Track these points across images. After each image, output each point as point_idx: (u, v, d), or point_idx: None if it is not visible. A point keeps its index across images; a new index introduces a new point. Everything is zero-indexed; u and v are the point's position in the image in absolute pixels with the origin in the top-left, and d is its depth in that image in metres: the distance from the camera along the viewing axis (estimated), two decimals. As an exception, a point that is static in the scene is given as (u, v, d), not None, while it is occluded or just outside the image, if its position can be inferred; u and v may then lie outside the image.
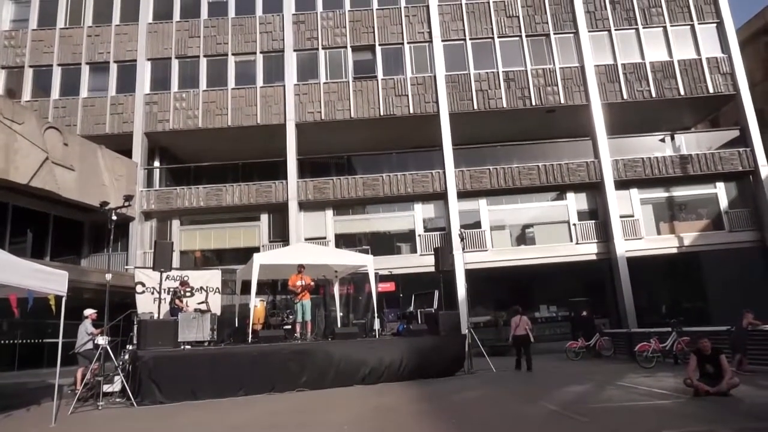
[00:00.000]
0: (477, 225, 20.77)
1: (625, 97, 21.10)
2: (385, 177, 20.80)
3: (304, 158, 21.66)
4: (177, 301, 12.34)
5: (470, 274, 17.41)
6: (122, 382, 9.99)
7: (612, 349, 15.95)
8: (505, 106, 21.05)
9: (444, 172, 20.63)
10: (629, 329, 17.13)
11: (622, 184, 20.69)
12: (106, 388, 9.89)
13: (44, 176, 16.05)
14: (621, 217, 20.31)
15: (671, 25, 21.77)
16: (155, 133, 21.27)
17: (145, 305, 13.23)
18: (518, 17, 22.01)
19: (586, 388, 9.74)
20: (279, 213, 20.99)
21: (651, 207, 21.31)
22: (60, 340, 8.21)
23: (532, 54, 21.65)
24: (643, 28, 21.78)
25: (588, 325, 17.54)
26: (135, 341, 10.88)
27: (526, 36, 21.85)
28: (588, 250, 20.48)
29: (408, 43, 21.89)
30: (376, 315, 14.16)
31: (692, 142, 22.04)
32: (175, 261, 18.91)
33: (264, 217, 21.33)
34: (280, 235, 20.79)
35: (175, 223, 21.38)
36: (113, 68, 21.78)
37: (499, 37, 21.86)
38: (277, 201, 20.64)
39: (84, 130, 20.52)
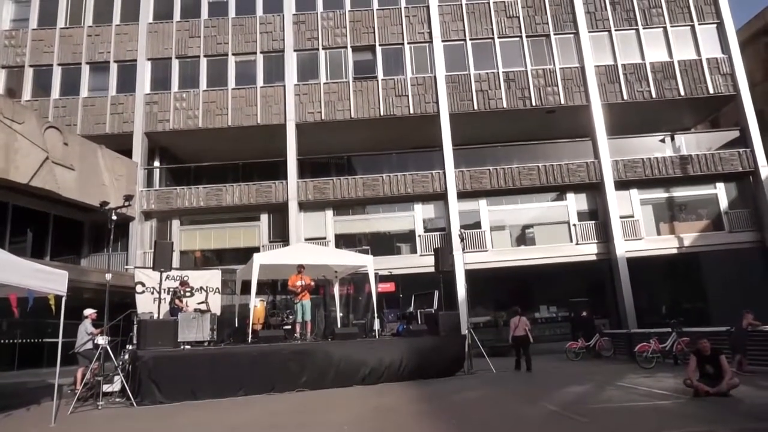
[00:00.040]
0: (477, 225, 20.77)
1: (625, 97, 21.10)
2: (385, 177, 20.80)
3: (304, 158, 21.66)
4: (177, 301, 12.34)
5: (470, 274, 17.39)
6: (122, 382, 9.99)
7: (612, 349, 15.96)
8: (505, 106, 21.05)
9: (444, 173, 20.63)
10: (629, 330, 17.13)
11: (622, 185, 20.69)
12: (106, 387, 9.89)
13: (44, 176, 16.05)
14: (621, 217, 20.31)
15: (671, 26, 21.78)
16: (155, 133, 21.27)
17: (145, 305, 13.23)
18: (518, 18, 22.02)
19: (586, 388, 9.74)
20: (279, 213, 20.99)
21: (651, 207, 21.32)
22: (60, 340, 8.22)
23: (532, 54, 21.66)
24: (644, 28, 21.79)
25: (588, 326, 17.54)
26: (135, 341, 10.89)
27: (527, 36, 21.85)
28: (588, 251, 20.48)
29: (408, 43, 21.89)
30: (376, 315, 14.16)
31: (692, 143, 22.06)
32: (175, 261, 18.93)
33: (264, 217, 21.33)
34: (280, 235, 20.79)
35: (175, 223, 21.38)
36: (113, 68, 21.78)
37: (499, 38, 21.87)
38: (277, 201, 20.64)
39: (84, 129, 20.52)
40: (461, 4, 22.21)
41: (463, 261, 17.86)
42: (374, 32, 21.95)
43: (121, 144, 20.25)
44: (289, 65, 21.63)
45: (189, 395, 9.66)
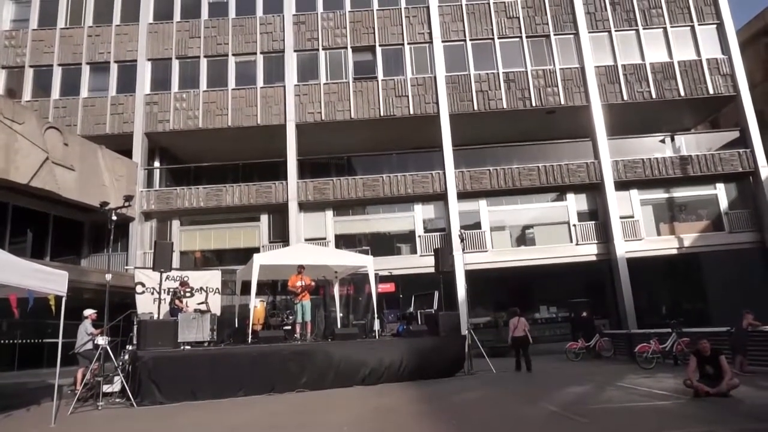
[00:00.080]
0: (477, 226, 20.77)
1: (625, 98, 21.11)
2: (385, 178, 20.80)
3: (304, 159, 21.67)
4: (177, 302, 12.34)
5: (470, 274, 17.45)
6: (122, 382, 9.99)
7: (612, 350, 15.96)
8: (505, 106, 21.06)
9: (444, 173, 20.63)
10: (629, 330, 17.14)
11: (622, 185, 20.69)
12: (106, 388, 9.89)
13: (44, 176, 16.05)
14: (621, 217, 20.31)
15: (671, 26, 21.79)
16: (155, 133, 21.27)
17: (145, 305, 13.23)
18: (518, 18, 22.02)
19: (586, 389, 9.74)
20: (279, 213, 20.99)
21: (651, 208, 21.32)
22: (60, 340, 8.21)
23: (532, 55, 21.66)
24: (644, 29, 21.79)
25: (588, 326, 17.54)
26: (135, 341, 10.89)
27: (527, 37, 21.86)
28: (588, 251, 20.48)
29: (408, 43, 21.90)
30: (376, 316, 14.15)
31: (692, 143, 22.07)
32: (175, 261, 18.94)
33: (264, 218, 21.33)
34: (280, 235, 20.79)
35: (175, 223, 21.38)
36: (113, 68, 21.79)
37: (499, 38, 21.88)
38: (277, 201, 20.64)
39: (84, 130, 20.52)
40: (461, 5, 22.22)
41: (463, 261, 17.88)
42: (374, 33, 21.96)
43: (121, 144, 20.25)
44: (289, 66, 21.64)
45: (189, 396, 9.66)
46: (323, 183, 20.90)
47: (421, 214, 21.16)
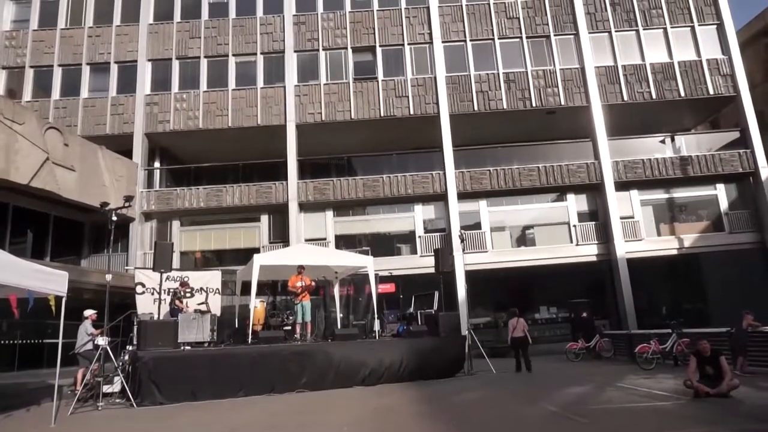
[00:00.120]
0: (477, 226, 20.77)
1: (625, 98, 21.11)
2: (386, 178, 20.80)
3: (305, 159, 21.67)
4: (177, 302, 12.33)
5: (470, 275, 17.47)
6: (122, 382, 9.99)
7: (612, 350, 15.97)
8: (505, 107, 21.06)
9: (444, 173, 20.63)
10: (629, 331, 17.13)
11: (622, 186, 20.69)
12: (106, 388, 9.88)
13: (44, 177, 16.06)
14: (621, 218, 20.30)
15: (671, 27, 21.79)
16: (156, 133, 21.28)
17: (145, 306, 13.23)
18: (519, 18, 22.03)
19: (586, 389, 9.74)
20: (279, 214, 21.00)
21: (651, 208, 21.32)
22: (60, 341, 8.21)
23: (532, 55, 21.67)
24: (644, 29, 21.80)
25: (588, 327, 17.54)
26: (135, 342, 10.89)
27: (527, 37, 21.86)
28: (588, 252, 20.48)
29: (408, 44, 21.90)
30: (376, 316, 14.14)
31: (692, 144, 22.08)
32: (175, 262, 18.91)
33: (264, 218, 21.34)
34: (281, 236, 20.79)
35: (176, 223, 21.39)
36: (114, 69, 21.80)
37: (499, 39, 21.88)
38: (277, 202, 20.64)
39: (84, 130, 20.53)
40: (461, 5, 22.23)
41: (463, 262, 17.87)
42: (374, 33, 21.97)
43: (121, 145, 20.26)
44: (290, 66, 21.65)
45: (189, 396, 9.66)
46: (323, 183, 20.91)
47: (421, 214, 21.17)
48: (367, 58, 21.91)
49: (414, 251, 20.72)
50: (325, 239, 20.76)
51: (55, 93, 21.40)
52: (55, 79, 21.56)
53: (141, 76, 21.53)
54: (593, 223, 20.83)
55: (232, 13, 22.40)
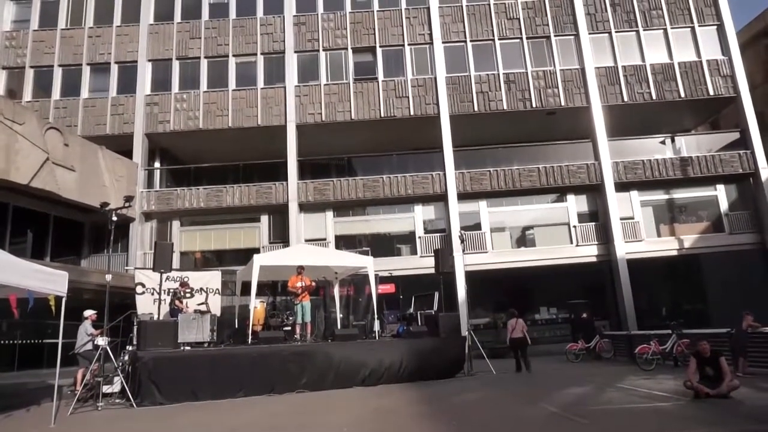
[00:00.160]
0: (477, 227, 20.77)
1: (625, 99, 21.11)
2: (386, 178, 20.80)
3: (305, 159, 21.67)
4: (177, 302, 12.33)
5: (470, 275, 17.46)
6: (122, 382, 9.99)
7: (612, 351, 15.97)
8: (505, 107, 21.06)
9: (444, 174, 20.63)
10: (629, 331, 17.12)
11: (622, 186, 20.69)
12: (106, 388, 9.88)
13: (45, 177, 16.06)
14: (621, 219, 20.30)
15: (672, 28, 21.80)
16: (156, 134, 21.28)
17: (145, 306, 13.24)
18: (519, 19, 22.04)
19: (586, 390, 9.73)
20: (279, 214, 21.00)
21: (651, 209, 21.32)
22: (60, 341, 8.22)
23: (532, 56, 21.67)
24: (644, 30, 21.80)
25: (588, 327, 17.52)
26: (135, 342, 10.89)
27: (527, 38, 21.87)
28: (588, 252, 20.48)
29: (408, 44, 21.91)
30: (376, 316, 14.12)
31: (692, 145, 22.08)
32: (175, 262, 18.93)
33: (264, 219, 21.34)
34: (281, 236, 20.79)
35: (176, 224, 21.39)
36: (114, 69, 21.80)
37: (499, 39, 21.88)
38: (277, 202, 20.64)
39: (85, 130, 20.53)
40: (462, 6, 22.24)
41: (463, 262, 17.86)
42: (375, 34, 21.97)
43: (121, 145, 20.26)
44: (290, 66, 21.65)
45: (189, 396, 9.66)
46: (323, 184, 20.91)
47: (421, 214, 21.17)
48: (367, 59, 21.91)
49: (414, 252, 20.72)
50: (325, 240, 20.76)
51: (56, 93, 21.41)
52: (56, 79, 21.57)
53: (141, 77, 21.53)
54: (593, 223, 20.83)
55: (233, 13, 22.41)
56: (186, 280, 13.40)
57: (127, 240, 20.08)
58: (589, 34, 21.81)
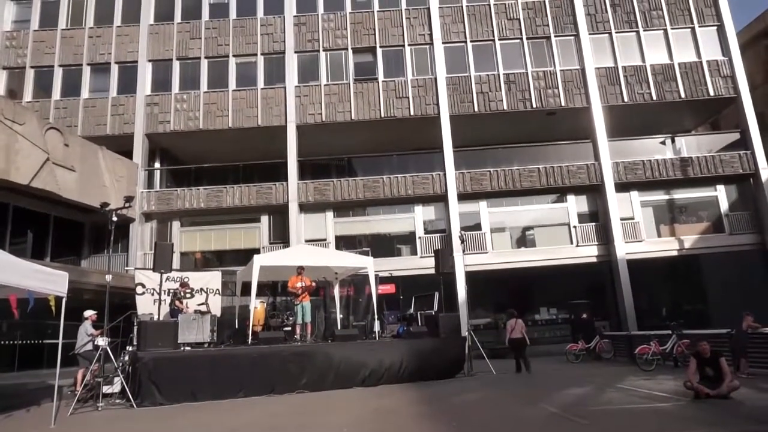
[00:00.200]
0: (477, 227, 20.77)
1: (625, 99, 21.11)
2: (386, 179, 20.81)
3: (305, 160, 21.68)
4: (177, 303, 12.34)
5: (470, 276, 17.47)
6: (122, 383, 9.99)
7: (612, 351, 15.96)
8: (505, 108, 21.07)
9: (444, 174, 20.63)
10: (629, 332, 17.12)
11: (622, 187, 20.69)
12: (106, 389, 9.88)
13: (45, 177, 16.06)
14: (621, 219, 20.30)
15: (672, 28, 21.80)
16: (156, 134, 21.28)
17: (145, 306, 13.24)
18: (519, 20, 22.04)
19: (586, 390, 9.73)
20: (279, 214, 21.00)
21: (651, 209, 21.31)
22: (60, 341, 8.22)
23: (532, 56, 21.67)
24: (644, 30, 21.81)
25: (588, 328, 17.53)
26: (135, 342, 10.89)
27: (527, 38, 21.87)
28: (588, 253, 20.48)
29: (409, 45, 21.91)
30: (376, 317, 14.12)
31: (693, 145, 22.08)
32: (176, 262, 18.90)
33: (264, 219, 21.34)
34: (281, 236, 20.79)
35: (176, 224, 21.40)
36: (114, 69, 21.81)
37: (499, 40, 21.89)
38: (277, 202, 20.65)
39: (85, 131, 20.54)
40: (462, 6, 22.24)
41: (463, 263, 17.87)
42: (375, 34, 21.98)
43: (121, 145, 20.27)
44: (290, 67, 21.65)
45: (189, 397, 9.66)
46: (323, 184, 20.91)
47: (421, 215, 21.17)
48: (367, 59, 21.92)
49: (414, 252, 20.72)
50: (325, 240, 20.76)
51: (56, 93, 21.42)
52: (56, 79, 21.58)
53: (141, 77, 21.54)
54: (593, 224, 20.82)
55: (233, 13, 22.41)
56: (186, 280, 13.41)
57: (128, 240, 20.08)
58: (590, 34, 21.81)
